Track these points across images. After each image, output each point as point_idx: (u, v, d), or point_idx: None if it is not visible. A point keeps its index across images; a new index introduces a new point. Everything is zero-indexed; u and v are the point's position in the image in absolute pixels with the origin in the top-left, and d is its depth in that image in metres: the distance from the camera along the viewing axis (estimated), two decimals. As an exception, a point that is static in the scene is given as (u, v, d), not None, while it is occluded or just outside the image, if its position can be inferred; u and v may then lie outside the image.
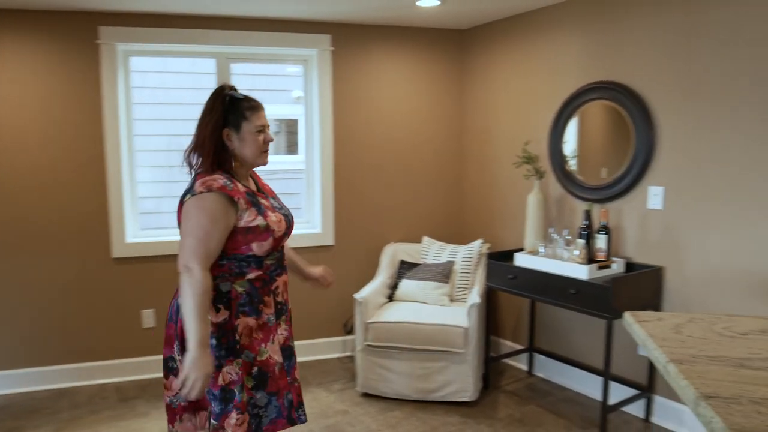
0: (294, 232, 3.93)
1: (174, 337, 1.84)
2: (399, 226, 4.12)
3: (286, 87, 6.26)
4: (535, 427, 2.97)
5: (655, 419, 3.01)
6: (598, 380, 3.31)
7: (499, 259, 3.40)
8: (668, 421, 2.95)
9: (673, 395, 2.93)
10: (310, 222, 4.04)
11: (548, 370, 3.63)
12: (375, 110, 3.97)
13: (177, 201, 1.84)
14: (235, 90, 1.85)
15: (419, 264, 3.78)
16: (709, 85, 2.71)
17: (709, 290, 2.76)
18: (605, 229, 3.01)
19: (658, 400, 2.99)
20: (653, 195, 2.99)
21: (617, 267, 3.03)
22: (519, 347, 3.81)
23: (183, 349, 1.76)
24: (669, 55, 2.86)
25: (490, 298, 3.41)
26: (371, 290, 3.50)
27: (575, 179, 3.36)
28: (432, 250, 3.84)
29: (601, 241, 3.02)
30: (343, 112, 3.92)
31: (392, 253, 3.89)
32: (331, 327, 4.05)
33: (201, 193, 1.71)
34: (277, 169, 6.73)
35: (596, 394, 3.32)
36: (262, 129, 1.83)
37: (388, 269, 3.80)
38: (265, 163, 1.88)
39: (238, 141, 1.81)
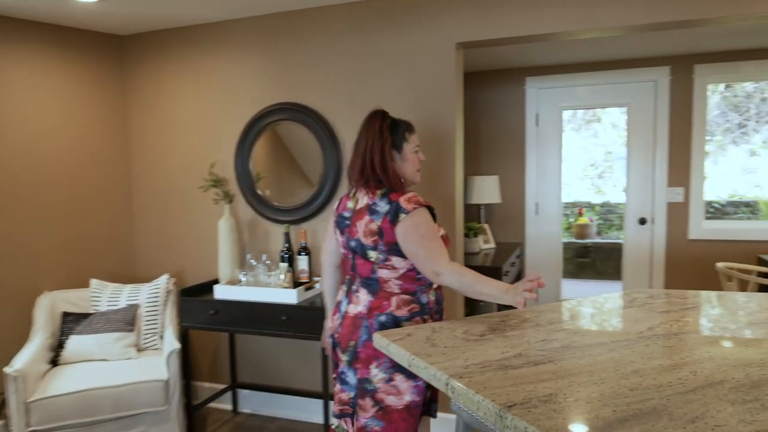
0: None
1: (373, 358, 1.84)
2: (56, 270, 3.29)
3: None
4: (257, 472, 2.73)
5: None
6: (307, 402, 3.27)
7: (194, 295, 3.04)
8: (378, 426, 3.11)
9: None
10: None
11: (254, 403, 3.42)
12: (17, 127, 3.08)
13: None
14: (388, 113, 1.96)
15: (91, 314, 3.08)
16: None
17: (400, 296, 3.03)
18: (305, 249, 3.00)
19: (366, 408, 3.12)
20: (345, 213, 3.11)
21: (319, 287, 3.05)
22: (221, 386, 3.48)
23: (393, 366, 1.83)
24: (346, 82, 3.04)
25: (183, 339, 3.01)
26: (27, 357, 2.67)
27: (267, 201, 3.27)
28: (105, 295, 3.18)
29: (302, 262, 2.99)
30: (-40, 126, 2.91)
31: (50, 305, 3.07)
32: (-40, 418, 2.95)
33: (415, 209, 1.83)
34: None
35: (307, 416, 3.28)
36: (418, 149, 1.98)
37: (47, 326, 2.98)
38: (418, 181, 2.02)
39: (400, 161, 1.94)
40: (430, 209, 1.89)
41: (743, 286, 3.82)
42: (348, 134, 3.06)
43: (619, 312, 1.87)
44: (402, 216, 1.82)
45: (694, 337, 1.58)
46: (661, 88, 4.55)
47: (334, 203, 3.10)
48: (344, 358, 1.91)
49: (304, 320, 2.71)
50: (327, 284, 2.19)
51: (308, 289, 2.91)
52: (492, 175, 4.75)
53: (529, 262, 4.92)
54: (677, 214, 4.58)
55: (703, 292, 2.12)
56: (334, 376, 2.02)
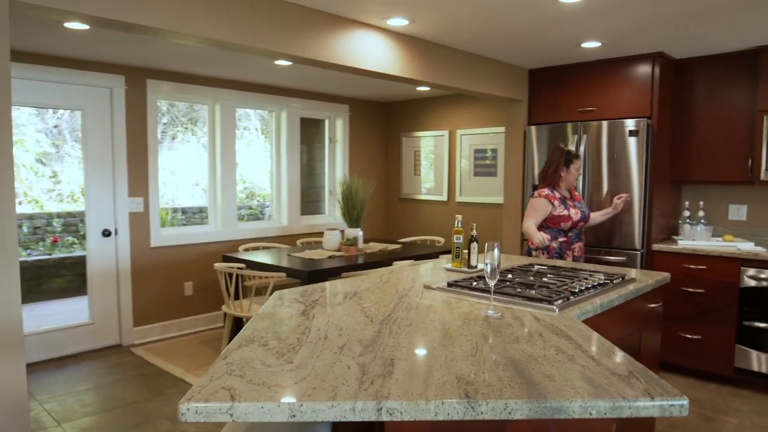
0: None
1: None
2: None
3: None
4: None
5: None
6: None
7: None
8: None
9: None
10: None
11: None
12: None
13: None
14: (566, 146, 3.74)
15: None
16: None
17: None
18: None
19: None
20: None
21: None
22: None
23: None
24: None
25: None
26: None
27: None
28: None
29: None
30: None
31: None
32: None
33: (534, 197, 3.55)
34: None
35: None
36: (577, 170, 3.57)
37: None
38: (574, 185, 3.73)
39: (565, 174, 3.54)
40: (550, 200, 3.47)
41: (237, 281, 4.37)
42: None
43: (313, 312, 2.04)
44: (531, 198, 3.58)
45: (413, 314, 1.99)
46: (117, 97, 4.49)
47: None
48: None
49: None
50: None
51: None
52: None
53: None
54: (139, 223, 4.65)
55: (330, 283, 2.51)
56: None
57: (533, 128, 4.50)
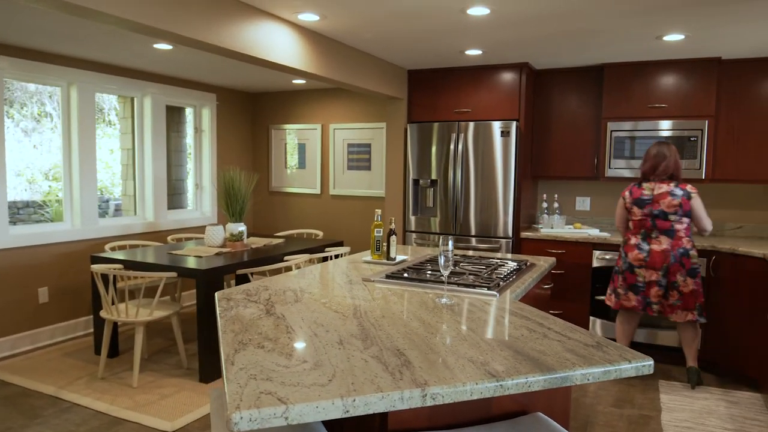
0: None
1: (677, 272, 3.52)
2: None
3: None
4: None
5: None
6: None
7: None
8: None
9: None
10: None
11: None
12: None
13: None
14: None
15: None
16: None
17: None
18: None
19: None
20: None
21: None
22: None
23: (687, 274, 3.54)
24: None
25: None
26: None
27: None
28: None
29: None
30: None
31: None
32: None
33: (695, 192, 3.50)
34: None
35: None
36: None
37: None
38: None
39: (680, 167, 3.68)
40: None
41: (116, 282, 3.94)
42: None
43: (295, 309, 2.02)
44: (692, 195, 3.49)
45: (376, 306, 2.06)
46: (-50, 73, 3.78)
47: None
48: (659, 272, 3.54)
49: None
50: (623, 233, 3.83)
51: None
52: None
53: None
54: (-18, 222, 3.99)
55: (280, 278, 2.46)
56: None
57: (410, 126, 4.78)
